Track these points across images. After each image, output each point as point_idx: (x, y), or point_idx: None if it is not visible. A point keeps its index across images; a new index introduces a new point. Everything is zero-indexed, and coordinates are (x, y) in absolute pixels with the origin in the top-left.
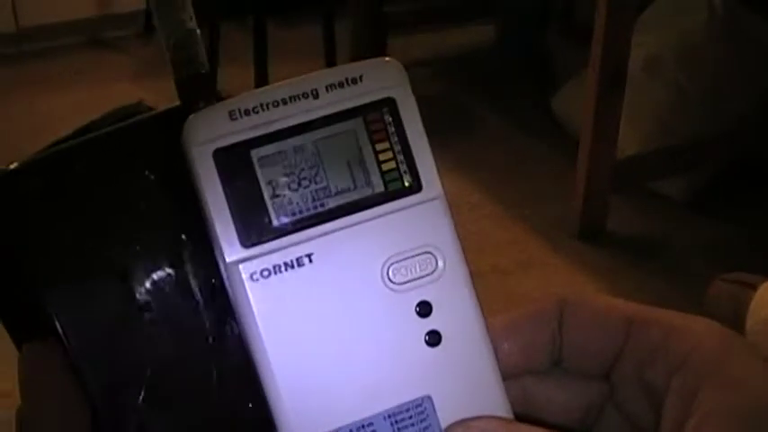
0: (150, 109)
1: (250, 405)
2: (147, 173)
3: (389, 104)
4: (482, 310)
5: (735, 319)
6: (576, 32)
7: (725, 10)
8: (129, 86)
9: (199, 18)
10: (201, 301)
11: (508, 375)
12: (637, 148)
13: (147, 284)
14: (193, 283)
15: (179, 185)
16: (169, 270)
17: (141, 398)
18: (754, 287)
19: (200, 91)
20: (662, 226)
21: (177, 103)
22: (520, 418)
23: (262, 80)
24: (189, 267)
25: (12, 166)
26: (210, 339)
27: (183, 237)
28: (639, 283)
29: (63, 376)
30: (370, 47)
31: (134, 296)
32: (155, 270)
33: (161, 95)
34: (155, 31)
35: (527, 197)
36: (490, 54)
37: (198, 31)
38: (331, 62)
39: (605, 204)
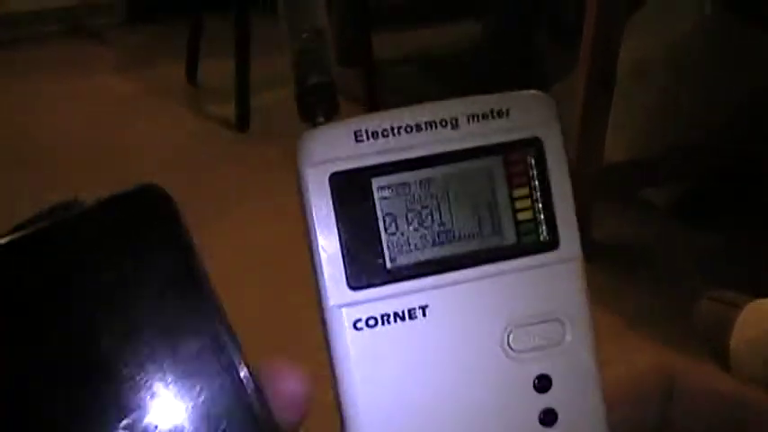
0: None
1: None
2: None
3: (535, 145)
4: (603, 387)
5: (720, 339)
6: (565, 34)
7: (713, 15)
8: (112, 77)
9: (181, 10)
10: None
11: None
12: (623, 155)
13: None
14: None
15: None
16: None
17: None
18: (739, 306)
19: (321, 103)
20: (646, 234)
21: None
22: None
23: (242, 73)
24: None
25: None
26: None
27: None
28: (624, 293)
29: None
30: (354, 43)
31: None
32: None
33: (144, 86)
34: (136, 21)
35: None
36: (478, 54)
37: (329, 32)
38: None
39: (590, 213)
